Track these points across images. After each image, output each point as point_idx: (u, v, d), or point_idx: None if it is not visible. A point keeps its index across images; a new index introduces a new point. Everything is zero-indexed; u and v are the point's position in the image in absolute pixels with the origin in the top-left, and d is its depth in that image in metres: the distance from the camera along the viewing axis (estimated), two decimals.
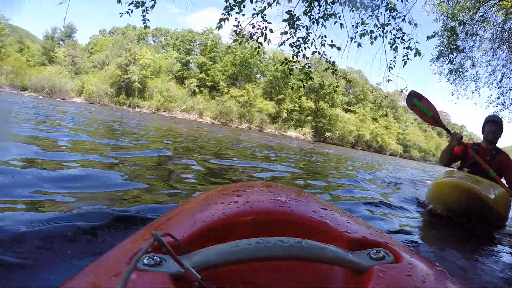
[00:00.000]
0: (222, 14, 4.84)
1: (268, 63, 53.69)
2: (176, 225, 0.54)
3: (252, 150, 8.29)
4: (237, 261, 0.37)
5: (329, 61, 5.45)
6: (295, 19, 5.08)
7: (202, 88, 50.43)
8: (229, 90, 50.72)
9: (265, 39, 5.08)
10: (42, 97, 39.23)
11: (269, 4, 4.98)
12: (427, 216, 2.48)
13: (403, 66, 5.17)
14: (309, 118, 56.58)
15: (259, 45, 5.25)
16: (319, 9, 5.14)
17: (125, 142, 4.92)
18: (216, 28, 4.84)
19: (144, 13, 4.73)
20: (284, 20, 5.04)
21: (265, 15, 4.96)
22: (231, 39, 51.92)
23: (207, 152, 5.65)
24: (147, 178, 2.44)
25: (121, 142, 4.84)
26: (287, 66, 5.65)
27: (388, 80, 5.33)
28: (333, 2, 5.07)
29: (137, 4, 4.63)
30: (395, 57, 5.23)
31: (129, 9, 4.60)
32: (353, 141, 58.98)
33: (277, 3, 5.00)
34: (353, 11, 5.16)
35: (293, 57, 5.42)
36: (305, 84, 5.97)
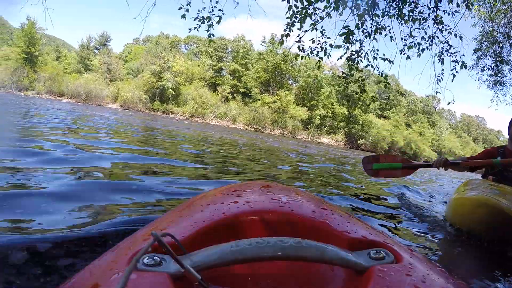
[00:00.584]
0: (284, 30, 5.04)
1: (300, 69, 52.69)
2: (176, 225, 0.53)
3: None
4: (237, 261, 0.37)
5: (382, 74, 5.48)
6: (350, 34, 5.12)
7: (235, 94, 49.80)
8: (261, 97, 49.88)
9: (325, 53, 5.17)
10: (79, 103, 39.49)
11: (322, 18, 5.06)
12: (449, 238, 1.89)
13: (452, 80, 5.18)
14: (342, 124, 55.05)
15: (320, 59, 5.28)
16: (371, 23, 5.21)
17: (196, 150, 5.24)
18: (278, 44, 5.48)
19: (209, 28, 5.13)
20: (341, 35, 5.09)
21: (324, 30, 5.10)
22: (262, 45, 51.22)
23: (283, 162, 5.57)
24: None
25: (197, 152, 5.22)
26: (344, 80, 5.62)
27: (436, 92, 5.41)
28: (382, 15, 5.14)
29: (203, 20, 5.03)
30: (443, 70, 5.28)
31: (197, 24, 5.03)
32: (387, 148, 56.82)
33: (329, 16, 5.03)
34: (401, 24, 5.26)
35: (350, 70, 5.46)
36: (360, 97, 6.12)
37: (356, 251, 0.43)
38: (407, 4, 5.10)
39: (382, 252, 0.42)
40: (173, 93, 45.98)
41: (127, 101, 44.67)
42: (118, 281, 0.29)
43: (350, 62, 5.42)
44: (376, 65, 5.37)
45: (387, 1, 5.12)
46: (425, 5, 5.11)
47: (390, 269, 0.38)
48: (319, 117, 53.01)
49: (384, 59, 5.23)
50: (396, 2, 5.13)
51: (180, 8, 4.80)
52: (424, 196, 4.49)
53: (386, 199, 3.43)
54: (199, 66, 50.21)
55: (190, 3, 4.88)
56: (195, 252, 0.39)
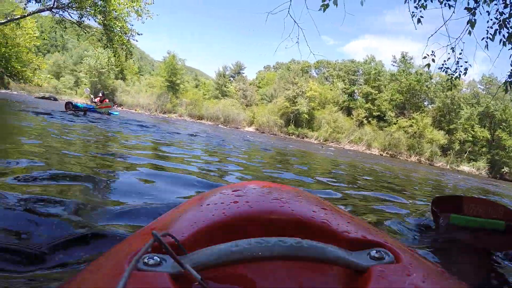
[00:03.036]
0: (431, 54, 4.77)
1: (437, 88, 48.30)
2: (175, 225, 0.53)
3: None
4: (237, 261, 0.37)
5: None
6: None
7: (369, 118, 47.58)
8: (397, 121, 46.70)
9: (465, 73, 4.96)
10: (221, 125, 41.75)
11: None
12: None
13: None
14: (484, 149, 48.33)
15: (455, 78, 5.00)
16: None
17: None
18: (425, 67, 4.82)
19: None
20: None
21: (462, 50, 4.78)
22: (393, 65, 48.48)
23: None
24: None
25: None
26: None
27: None
28: None
29: None
30: None
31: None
32: None
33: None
34: None
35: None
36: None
37: (356, 251, 0.43)
38: None
39: (382, 252, 0.42)
40: (307, 117, 45.80)
41: (262, 125, 45.78)
42: (118, 281, 0.29)
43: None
44: None
45: None
46: None
47: (390, 269, 0.38)
48: (458, 142, 47.55)
49: None
50: None
51: None
52: None
53: None
54: (331, 90, 49.56)
55: None
56: (195, 252, 0.40)
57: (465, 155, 47.86)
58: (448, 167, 45.02)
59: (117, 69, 54.18)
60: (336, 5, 4.15)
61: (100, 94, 14.04)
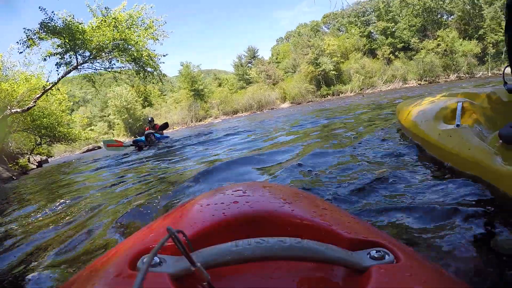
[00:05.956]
0: None
1: None
2: (175, 225, 0.52)
3: None
4: (237, 261, 0.37)
5: None
6: None
7: (395, 53, 46.90)
8: (423, 45, 45.72)
9: None
10: (256, 112, 42.56)
11: None
12: None
13: None
14: None
15: None
16: None
17: None
18: None
19: None
20: None
21: None
22: None
23: None
24: None
25: None
26: None
27: None
28: None
29: None
30: None
31: None
32: None
33: None
34: None
35: None
36: None
37: (356, 251, 0.43)
38: None
39: (382, 252, 0.42)
40: (335, 73, 45.74)
41: (296, 97, 46.21)
42: (118, 281, 0.29)
43: None
44: None
45: None
46: None
47: (390, 269, 0.38)
48: (491, 45, 45.83)
49: None
50: None
51: None
52: None
53: None
54: (348, 38, 49.10)
55: None
56: (195, 253, 0.39)
57: (503, 56, 46.17)
58: (489, 74, 43.69)
59: (140, 99, 56.32)
60: None
61: (150, 119, 11.13)
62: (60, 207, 2.69)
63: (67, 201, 2.92)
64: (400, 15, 47.43)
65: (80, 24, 13.13)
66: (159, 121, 12.42)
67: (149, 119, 11.04)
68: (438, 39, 45.14)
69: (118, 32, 13.38)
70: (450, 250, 1.07)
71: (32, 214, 2.66)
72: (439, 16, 47.57)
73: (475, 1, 45.61)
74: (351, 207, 1.42)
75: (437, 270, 0.43)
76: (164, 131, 11.15)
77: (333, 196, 1.59)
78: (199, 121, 51.32)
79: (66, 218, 2.20)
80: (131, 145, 10.46)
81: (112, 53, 13.88)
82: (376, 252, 0.42)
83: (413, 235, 1.18)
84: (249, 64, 55.65)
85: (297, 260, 0.39)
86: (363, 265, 0.39)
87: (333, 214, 0.54)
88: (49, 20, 12.39)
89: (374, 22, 49.95)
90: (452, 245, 1.10)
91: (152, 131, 9.99)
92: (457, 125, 1.46)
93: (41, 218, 2.40)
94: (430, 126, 1.62)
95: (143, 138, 10.29)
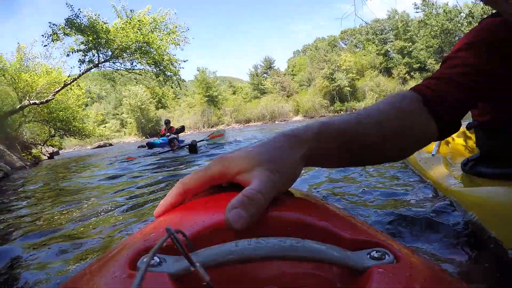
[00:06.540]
0: None
1: (468, 20, 46.32)
2: (175, 225, 0.51)
3: None
4: (236, 261, 0.37)
5: None
6: None
7: (411, 73, 46.75)
8: (440, 66, 45.50)
9: None
10: (267, 122, 42.64)
11: None
12: None
13: None
14: None
15: None
16: None
17: None
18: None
19: None
20: None
21: None
22: (417, 12, 46.71)
23: None
24: None
25: None
26: None
27: None
28: None
29: None
30: None
31: None
32: None
33: None
34: None
35: None
36: None
37: (356, 251, 0.43)
38: None
39: (382, 252, 0.42)
40: (350, 89, 45.73)
41: (309, 110, 46.26)
42: (118, 282, 0.30)
43: None
44: None
45: None
46: None
47: (390, 269, 0.38)
48: None
49: None
50: None
51: None
52: None
53: None
54: (364, 55, 49.20)
55: None
56: (194, 253, 0.39)
57: None
58: None
59: (155, 100, 57.12)
60: None
61: (166, 121, 11.19)
62: (64, 204, 2.64)
63: (73, 198, 2.89)
64: (418, 35, 47.41)
65: (105, 23, 13.48)
66: (171, 124, 12.38)
67: (166, 121, 11.02)
68: None
69: (142, 34, 13.68)
70: (450, 250, 1.08)
71: (35, 210, 2.61)
72: (456, 38, 47.30)
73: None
74: (351, 207, 1.44)
75: (437, 270, 0.43)
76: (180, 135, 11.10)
77: (333, 196, 1.65)
78: (211, 127, 51.71)
79: (68, 216, 2.18)
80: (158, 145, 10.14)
81: (134, 55, 14.11)
82: (376, 252, 0.42)
83: (413, 235, 1.21)
84: (265, 75, 56.17)
85: (297, 260, 0.39)
86: (363, 265, 0.39)
87: (333, 214, 0.54)
88: (75, 16, 12.76)
89: (392, 41, 50.01)
90: (452, 245, 1.11)
91: (175, 136, 9.85)
92: (432, 155, 1.91)
93: (43, 215, 2.37)
94: (416, 154, 2.06)
95: (157, 140, 10.20)
